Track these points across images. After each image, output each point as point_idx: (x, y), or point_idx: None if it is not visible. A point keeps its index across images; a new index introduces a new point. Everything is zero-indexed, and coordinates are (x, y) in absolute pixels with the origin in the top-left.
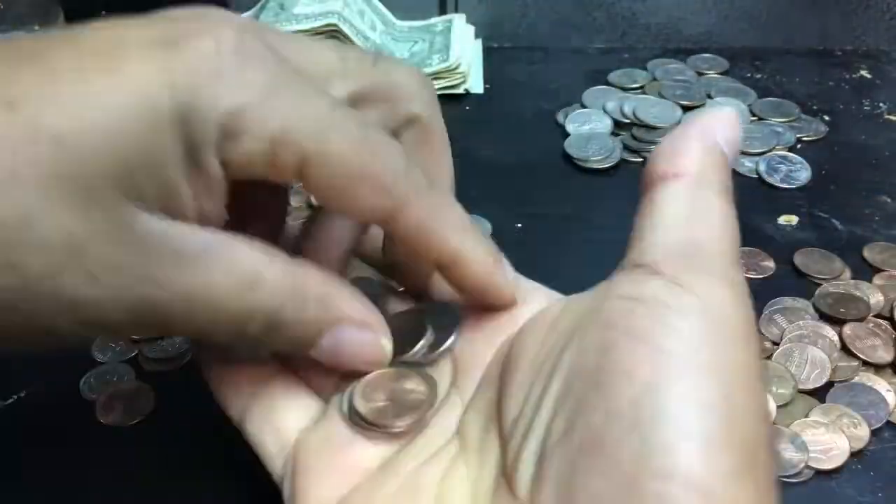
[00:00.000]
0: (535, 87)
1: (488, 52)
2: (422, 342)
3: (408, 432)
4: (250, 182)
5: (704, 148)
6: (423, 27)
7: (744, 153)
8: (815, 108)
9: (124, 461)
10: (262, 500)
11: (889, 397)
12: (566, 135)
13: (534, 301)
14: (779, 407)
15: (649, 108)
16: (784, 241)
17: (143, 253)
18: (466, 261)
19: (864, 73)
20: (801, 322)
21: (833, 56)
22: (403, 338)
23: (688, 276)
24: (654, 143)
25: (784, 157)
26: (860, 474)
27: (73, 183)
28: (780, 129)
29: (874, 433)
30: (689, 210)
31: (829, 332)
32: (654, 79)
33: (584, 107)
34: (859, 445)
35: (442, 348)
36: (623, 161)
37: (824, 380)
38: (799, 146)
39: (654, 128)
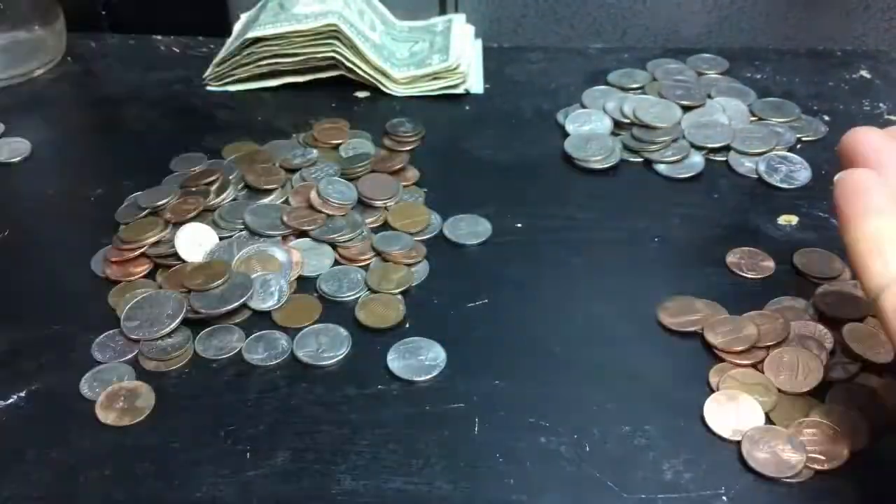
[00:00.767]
0: (535, 87)
1: (488, 52)
2: None
3: None
4: None
5: None
6: (423, 27)
7: (743, 153)
8: (815, 108)
9: (124, 460)
10: (261, 500)
11: (887, 398)
12: (566, 135)
13: None
14: (778, 406)
15: (649, 108)
16: (784, 241)
17: None
18: None
19: (864, 73)
20: (800, 322)
21: (833, 56)
22: None
23: None
24: (653, 142)
25: (784, 158)
26: (860, 474)
27: None
28: (780, 130)
29: (875, 434)
30: None
31: (829, 332)
32: (654, 79)
33: (583, 107)
34: (859, 446)
35: None
36: (623, 161)
37: (818, 380)
38: (799, 146)
39: (653, 128)
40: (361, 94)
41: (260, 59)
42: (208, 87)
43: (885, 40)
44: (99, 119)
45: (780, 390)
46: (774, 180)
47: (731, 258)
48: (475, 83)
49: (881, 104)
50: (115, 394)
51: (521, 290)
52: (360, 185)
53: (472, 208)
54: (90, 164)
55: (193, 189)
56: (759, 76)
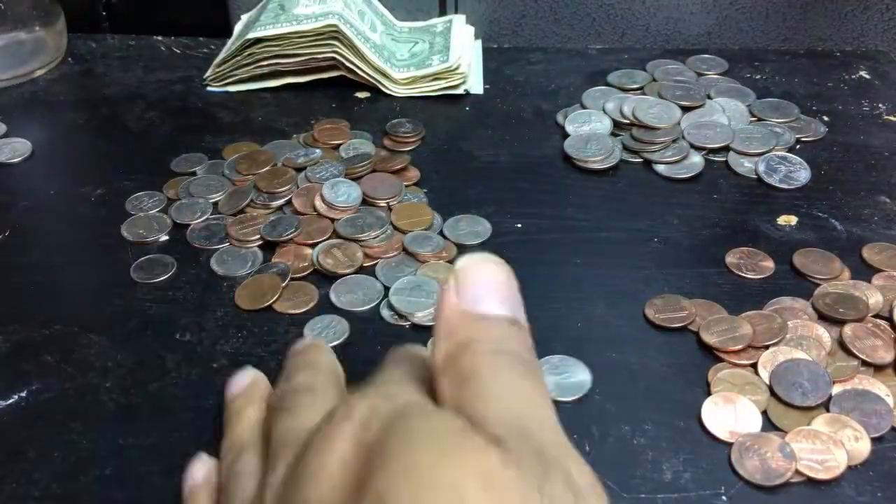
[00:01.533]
0: (535, 87)
1: (488, 53)
2: None
3: None
4: None
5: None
6: (423, 28)
7: (743, 154)
8: (814, 108)
9: (124, 460)
10: None
11: (890, 401)
12: (566, 135)
13: None
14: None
15: (648, 109)
16: (783, 241)
17: None
18: None
19: (863, 73)
20: (799, 322)
21: (832, 57)
22: None
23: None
24: (653, 143)
25: (783, 158)
26: (859, 474)
27: None
28: (779, 130)
29: (874, 441)
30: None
31: (828, 332)
32: (654, 79)
33: (583, 107)
34: (859, 459)
35: None
36: (623, 161)
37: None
38: (798, 146)
39: (653, 128)
40: (361, 95)
41: (260, 60)
42: (209, 88)
43: (884, 41)
44: (99, 119)
45: (773, 391)
46: (774, 180)
47: (731, 258)
48: (475, 83)
49: (880, 104)
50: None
51: (521, 290)
52: (363, 184)
53: (472, 208)
54: (90, 164)
55: None
56: (758, 77)
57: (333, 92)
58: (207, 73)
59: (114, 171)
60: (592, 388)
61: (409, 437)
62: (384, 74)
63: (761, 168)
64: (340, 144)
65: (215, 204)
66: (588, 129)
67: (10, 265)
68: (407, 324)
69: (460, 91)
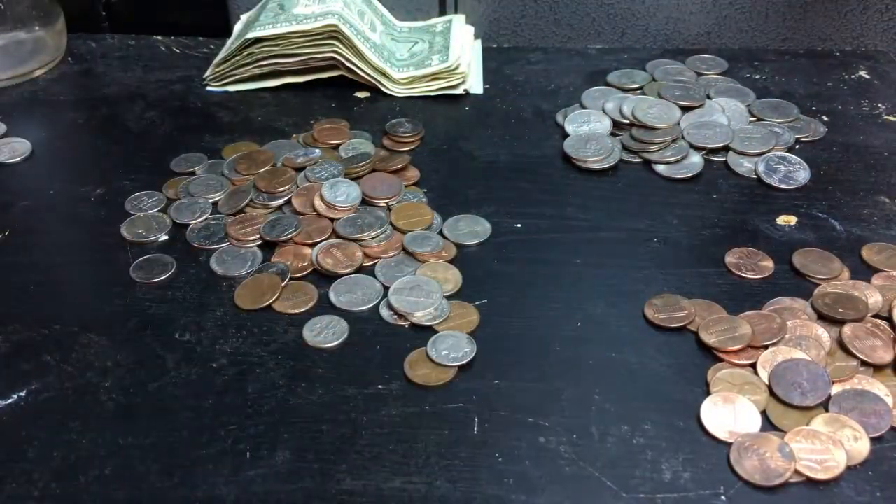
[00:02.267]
0: (535, 87)
1: (488, 52)
2: None
3: None
4: None
5: None
6: (423, 28)
7: (743, 154)
8: (813, 108)
9: (124, 460)
10: (261, 500)
11: (889, 401)
12: (565, 135)
13: None
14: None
15: (648, 109)
16: (783, 241)
17: None
18: None
19: (862, 73)
20: (798, 322)
21: (832, 57)
22: None
23: None
24: (653, 143)
25: (783, 158)
26: (859, 474)
27: None
28: (778, 130)
29: (873, 441)
30: None
31: (827, 332)
32: (654, 79)
33: (583, 107)
34: (858, 459)
35: None
36: (622, 161)
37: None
38: (798, 146)
39: (653, 128)
40: (361, 95)
41: (260, 60)
42: (208, 88)
43: (883, 41)
44: (99, 119)
45: (772, 391)
46: (773, 181)
47: (731, 258)
48: (475, 83)
49: (880, 104)
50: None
51: (521, 290)
52: (363, 184)
53: (471, 208)
54: (90, 163)
55: None
56: (758, 77)
57: (333, 92)
58: (207, 73)
59: (113, 170)
60: (592, 388)
61: None
62: (384, 74)
63: (761, 168)
64: (340, 144)
65: (215, 204)
66: (587, 129)
67: (9, 265)
68: (406, 324)
69: (460, 91)
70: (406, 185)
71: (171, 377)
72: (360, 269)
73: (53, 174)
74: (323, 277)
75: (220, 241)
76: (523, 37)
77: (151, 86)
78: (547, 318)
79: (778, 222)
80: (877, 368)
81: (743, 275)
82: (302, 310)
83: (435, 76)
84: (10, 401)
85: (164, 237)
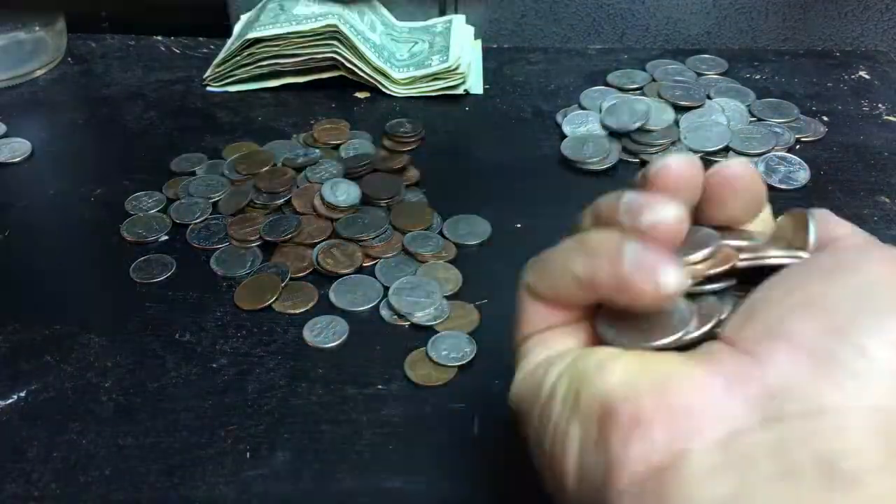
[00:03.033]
0: (535, 87)
1: (488, 53)
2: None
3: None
4: None
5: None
6: (423, 28)
7: (743, 154)
8: (814, 108)
9: (124, 460)
10: (261, 500)
11: None
12: (564, 136)
13: None
14: None
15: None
16: None
17: None
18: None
19: (862, 73)
20: None
21: (832, 57)
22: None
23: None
24: (651, 144)
25: (783, 158)
26: None
27: None
28: (779, 130)
29: None
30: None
31: None
32: (654, 79)
33: (581, 108)
34: None
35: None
36: (622, 161)
37: None
38: (798, 147)
39: (649, 131)
40: (361, 95)
41: (260, 60)
42: (208, 88)
43: (883, 41)
44: (99, 119)
45: None
46: (773, 181)
47: None
48: (475, 84)
49: (880, 104)
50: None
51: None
52: (363, 184)
53: (472, 208)
54: (90, 164)
55: None
56: (758, 77)
57: (333, 92)
58: (207, 73)
59: (113, 171)
60: None
61: None
62: (384, 74)
63: (761, 168)
64: (340, 144)
65: (215, 204)
66: (585, 129)
67: (9, 265)
68: (406, 324)
69: (460, 91)
70: (406, 186)
71: (171, 377)
72: (360, 270)
73: (53, 174)
74: (323, 278)
75: (221, 241)
76: (523, 37)
77: (151, 86)
78: None
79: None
80: None
81: None
82: (302, 310)
83: (435, 76)
84: (10, 401)
85: (164, 237)
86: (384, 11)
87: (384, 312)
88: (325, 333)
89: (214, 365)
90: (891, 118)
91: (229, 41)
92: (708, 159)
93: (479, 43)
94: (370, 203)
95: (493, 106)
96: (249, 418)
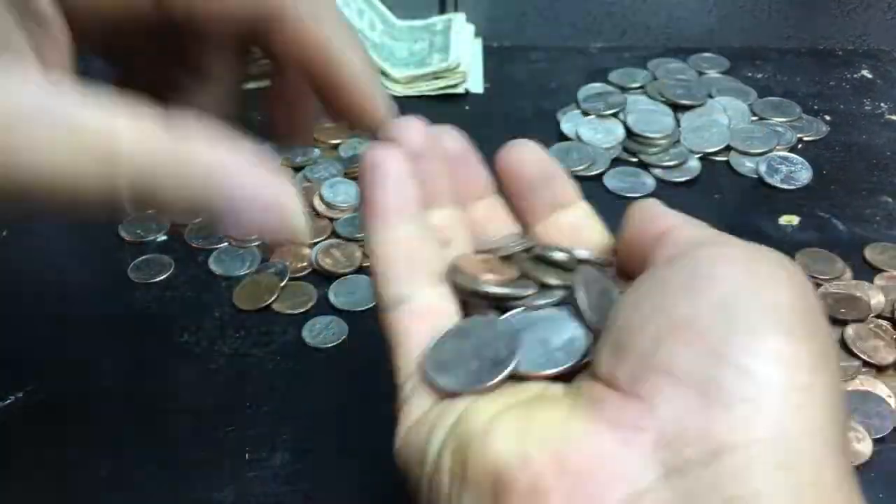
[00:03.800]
0: (535, 86)
1: (488, 52)
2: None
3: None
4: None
5: None
6: (423, 26)
7: (744, 153)
8: (816, 107)
9: (122, 461)
10: (261, 500)
11: (892, 403)
12: (562, 136)
13: None
14: None
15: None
16: (785, 241)
17: None
18: (342, 60)
19: (865, 72)
20: None
21: (834, 56)
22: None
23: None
24: (652, 144)
25: (785, 158)
26: (861, 476)
27: None
28: (780, 129)
29: (875, 443)
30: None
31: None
32: (655, 78)
33: (578, 107)
34: (861, 460)
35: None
36: (621, 160)
37: None
38: (800, 146)
39: (646, 137)
40: None
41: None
42: None
43: (886, 40)
44: None
45: None
46: (775, 181)
47: None
48: (475, 82)
49: (882, 104)
50: None
51: None
52: None
53: None
54: None
55: None
56: (759, 75)
57: None
58: None
59: None
60: None
61: None
62: (383, 73)
63: (762, 168)
64: (340, 144)
65: None
66: (575, 133)
67: (7, 265)
68: None
69: (460, 90)
70: None
71: (169, 378)
72: (359, 269)
73: None
74: (322, 278)
75: (219, 241)
76: (523, 36)
77: None
78: None
79: (780, 222)
80: (879, 369)
81: None
82: (301, 310)
83: (435, 75)
84: (6, 402)
85: (162, 237)
86: (384, 9)
87: None
88: (324, 334)
89: (213, 365)
90: (893, 117)
91: None
92: (710, 159)
93: (479, 41)
94: None
95: (493, 105)
96: (248, 419)
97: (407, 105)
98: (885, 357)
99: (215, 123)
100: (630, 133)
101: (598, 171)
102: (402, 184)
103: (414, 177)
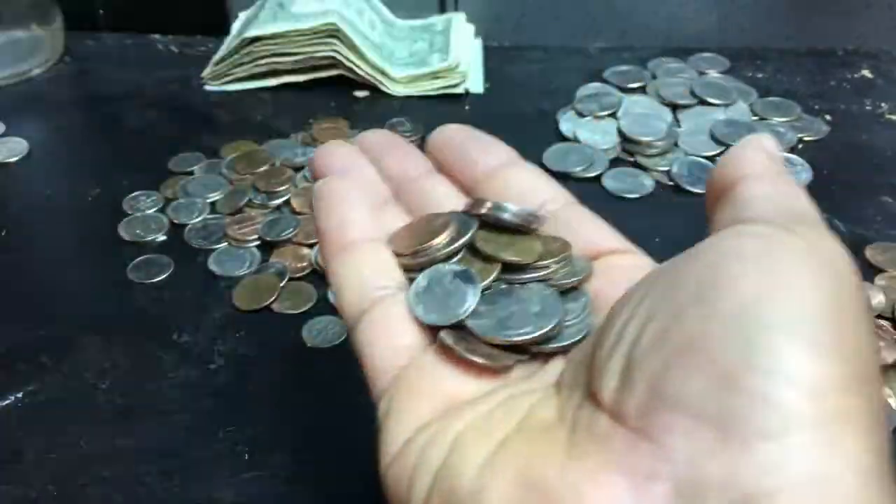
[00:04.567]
0: (535, 86)
1: (488, 52)
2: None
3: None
4: None
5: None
6: (423, 26)
7: None
8: (816, 107)
9: (123, 461)
10: (261, 500)
11: (893, 403)
12: (561, 136)
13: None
14: None
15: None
16: None
17: None
18: None
19: (865, 72)
20: None
21: (834, 56)
22: None
23: (796, 226)
24: (651, 145)
25: (785, 158)
26: None
27: None
28: (781, 129)
29: None
30: (777, 192)
31: None
32: (655, 77)
33: (575, 107)
34: None
35: None
36: (620, 160)
37: None
38: (800, 146)
39: (641, 141)
40: (361, 94)
41: (259, 58)
42: (207, 87)
43: (886, 40)
44: (97, 119)
45: None
46: None
47: None
48: (475, 82)
49: (882, 104)
50: None
51: None
52: None
53: None
54: (88, 163)
55: None
56: (760, 75)
57: (332, 91)
58: (205, 72)
59: (111, 170)
60: None
61: None
62: (384, 73)
63: None
64: None
65: (213, 204)
66: (575, 132)
67: (6, 265)
68: None
69: (460, 90)
70: None
71: (168, 378)
72: None
73: (50, 174)
74: (322, 278)
75: (219, 241)
76: (523, 36)
77: (149, 85)
78: None
79: None
80: (880, 370)
81: None
82: (301, 310)
83: (435, 75)
84: (6, 402)
85: (161, 237)
86: (384, 10)
87: None
88: (324, 334)
89: (213, 366)
90: (894, 117)
91: (228, 39)
92: (709, 159)
93: (479, 41)
94: None
95: (493, 105)
96: (248, 420)
97: (407, 105)
98: (886, 357)
99: None
100: (624, 137)
101: (596, 173)
102: (351, 210)
103: (361, 193)
